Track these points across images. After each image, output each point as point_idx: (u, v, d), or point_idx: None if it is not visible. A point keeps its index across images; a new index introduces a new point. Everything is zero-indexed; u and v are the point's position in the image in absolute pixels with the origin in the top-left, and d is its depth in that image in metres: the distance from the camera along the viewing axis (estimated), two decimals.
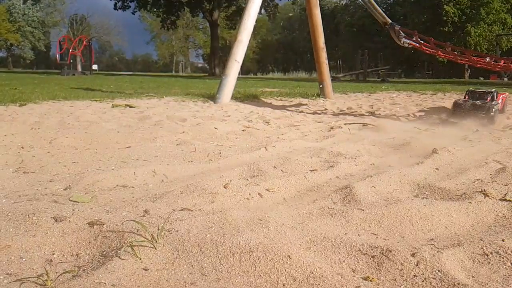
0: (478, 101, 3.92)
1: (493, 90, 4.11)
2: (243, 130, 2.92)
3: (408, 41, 4.57)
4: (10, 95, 4.97)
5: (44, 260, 0.87)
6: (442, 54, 4.57)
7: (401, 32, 4.67)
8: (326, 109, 5.03)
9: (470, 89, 4.30)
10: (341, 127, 3.16)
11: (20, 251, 0.90)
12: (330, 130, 3.03)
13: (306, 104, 5.55)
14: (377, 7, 5.22)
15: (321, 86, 6.42)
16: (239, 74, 5.42)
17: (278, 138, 2.58)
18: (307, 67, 34.64)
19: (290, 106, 5.36)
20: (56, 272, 0.81)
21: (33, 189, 1.37)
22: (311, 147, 2.22)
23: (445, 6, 25.22)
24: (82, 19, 44.28)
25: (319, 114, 4.50)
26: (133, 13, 26.04)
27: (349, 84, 12.45)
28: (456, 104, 4.14)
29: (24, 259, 0.87)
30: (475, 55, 4.70)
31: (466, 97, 4.27)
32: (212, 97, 5.37)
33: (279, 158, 1.85)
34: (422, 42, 4.64)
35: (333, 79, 12.66)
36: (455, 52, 4.64)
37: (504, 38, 24.77)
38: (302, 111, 4.72)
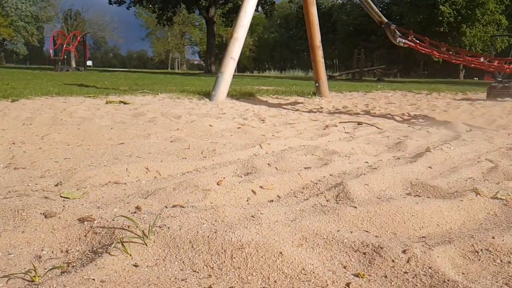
0: (507, 84, 6.12)
1: None
2: (238, 128, 2.91)
3: (403, 41, 4.58)
4: (2, 90, 4.90)
5: (33, 256, 0.86)
6: (437, 54, 4.59)
7: (397, 31, 4.69)
8: (322, 108, 5.04)
9: (499, 79, 6.61)
10: (336, 126, 3.17)
11: (8, 247, 0.89)
12: (325, 129, 3.03)
13: (302, 103, 5.55)
14: (374, 6, 5.23)
15: (317, 84, 6.43)
16: (235, 71, 5.40)
17: (273, 136, 2.57)
18: (303, 65, 34.66)
19: (286, 104, 5.36)
20: (45, 268, 0.80)
21: (23, 185, 1.35)
22: (306, 145, 2.22)
23: (441, 7, 25.38)
24: (77, 14, 43.83)
25: (315, 112, 4.51)
26: (128, 8, 25.84)
27: (345, 83, 12.49)
28: (491, 86, 6.41)
29: (12, 255, 0.86)
30: (470, 55, 4.73)
31: (497, 83, 6.43)
32: (208, 95, 5.34)
33: (274, 155, 1.84)
34: (418, 41, 4.66)
35: (329, 78, 12.70)
36: (450, 52, 4.67)
37: (498, 39, 25.00)
38: (297, 110, 4.72)
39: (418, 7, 26.65)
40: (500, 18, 25.79)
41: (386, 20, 4.94)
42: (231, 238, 0.88)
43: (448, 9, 25.34)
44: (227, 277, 0.79)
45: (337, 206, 1.16)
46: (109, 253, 0.83)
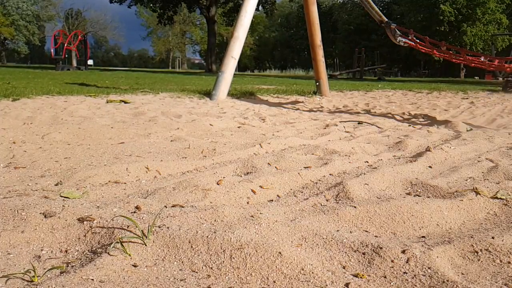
0: None
1: None
2: (238, 127, 2.91)
3: (404, 40, 4.57)
4: (3, 89, 4.91)
5: (32, 256, 0.86)
6: (437, 53, 4.58)
7: (397, 30, 4.68)
8: (322, 107, 5.04)
9: (499, 77, 9.01)
10: (337, 125, 3.16)
11: (8, 247, 0.89)
12: (325, 128, 3.03)
13: (302, 102, 5.55)
14: (374, 5, 5.22)
15: (317, 83, 6.42)
16: (236, 70, 5.40)
17: (273, 135, 2.57)
18: (304, 64, 34.66)
19: (286, 103, 5.36)
20: (44, 268, 0.80)
21: (23, 184, 1.35)
22: (306, 144, 2.22)
23: (441, 6, 25.34)
24: (78, 13, 43.91)
25: (315, 111, 4.51)
26: (129, 7, 25.88)
27: (345, 82, 12.47)
28: (508, 80, 8.09)
29: (11, 255, 0.86)
30: (470, 54, 4.72)
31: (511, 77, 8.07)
32: (208, 94, 5.34)
33: (274, 155, 1.84)
34: (418, 41, 4.65)
35: (330, 77, 12.66)
36: (450, 51, 4.66)
37: (499, 38, 24.95)
38: (298, 109, 4.72)
39: (418, 6, 26.61)
40: (500, 17, 25.74)
41: (386, 19, 4.93)
42: (231, 238, 0.88)
43: (449, 8, 25.29)
44: (226, 277, 0.79)
45: (337, 206, 1.16)
46: (108, 253, 0.83)
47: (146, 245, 0.87)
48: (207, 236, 0.89)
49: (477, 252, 0.89)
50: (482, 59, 4.35)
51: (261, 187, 1.36)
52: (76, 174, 1.44)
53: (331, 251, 0.89)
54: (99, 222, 0.98)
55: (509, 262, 0.86)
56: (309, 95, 6.36)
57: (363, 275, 0.80)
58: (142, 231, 0.91)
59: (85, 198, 1.23)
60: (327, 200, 1.26)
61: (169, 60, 48.38)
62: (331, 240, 0.92)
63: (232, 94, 5.60)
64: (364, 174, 1.49)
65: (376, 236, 1.00)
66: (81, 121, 2.87)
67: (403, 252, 0.86)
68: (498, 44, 24.60)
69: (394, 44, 4.99)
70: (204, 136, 2.48)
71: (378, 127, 3.14)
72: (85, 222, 0.98)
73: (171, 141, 2.24)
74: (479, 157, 1.88)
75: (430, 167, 1.70)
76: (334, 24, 36.32)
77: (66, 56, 16.52)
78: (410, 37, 4.59)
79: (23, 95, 4.39)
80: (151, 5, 25.62)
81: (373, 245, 0.89)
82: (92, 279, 0.74)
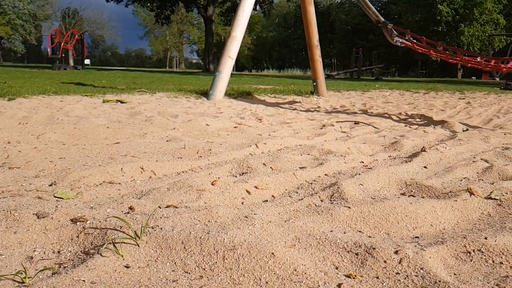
0: None
1: None
2: (235, 127, 2.91)
3: (400, 40, 4.59)
4: None
5: (25, 257, 0.86)
6: (434, 53, 4.60)
7: (394, 30, 4.69)
8: (319, 107, 5.04)
9: (496, 78, 11.28)
10: (333, 125, 3.17)
11: (0, 247, 0.89)
12: (322, 128, 3.03)
13: (299, 102, 5.55)
14: (371, 5, 5.23)
15: (315, 83, 6.43)
16: (233, 70, 5.40)
17: (269, 135, 2.57)
18: (301, 64, 34.69)
19: (283, 103, 5.36)
20: (36, 269, 0.80)
21: (17, 185, 1.35)
22: (302, 144, 2.22)
23: (439, 6, 25.43)
24: (75, 12, 43.78)
25: (312, 111, 4.51)
26: (126, 6, 25.81)
27: (343, 82, 12.49)
28: (507, 81, 8.87)
29: (3, 256, 0.85)
30: (467, 54, 4.74)
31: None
32: (206, 94, 5.34)
33: (269, 155, 1.84)
34: (415, 41, 4.66)
35: (327, 77, 12.70)
36: (447, 52, 4.67)
37: (496, 38, 25.09)
38: (295, 109, 4.72)
39: (416, 6, 26.69)
40: (498, 18, 25.87)
41: (383, 20, 4.94)
42: (224, 239, 0.88)
43: (446, 8, 25.39)
44: (219, 278, 0.79)
45: (331, 206, 1.16)
46: (100, 254, 0.82)
47: (138, 246, 0.87)
48: (200, 237, 0.89)
49: (470, 253, 0.89)
50: (478, 60, 4.37)
51: (256, 187, 1.36)
52: (71, 174, 1.43)
53: (324, 252, 0.89)
54: (92, 223, 0.97)
55: (501, 263, 0.86)
56: (307, 95, 6.36)
57: (355, 276, 0.80)
58: (135, 232, 0.90)
59: (79, 198, 1.22)
60: (321, 201, 1.26)
61: (166, 59, 48.28)
62: (325, 241, 0.92)
63: (229, 94, 5.60)
64: (359, 174, 1.50)
65: (369, 237, 1.00)
66: (77, 121, 2.85)
67: (396, 252, 0.86)
68: (495, 44, 24.75)
69: (391, 44, 5.00)
70: (200, 136, 2.48)
71: (375, 127, 3.15)
72: (78, 223, 0.97)
73: (167, 141, 2.24)
74: (474, 158, 1.88)
75: (425, 167, 1.71)
76: (332, 24, 36.39)
77: (63, 55, 16.47)
78: (406, 37, 4.60)
79: (19, 94, 4.36)
80: (148, 4, 25.55)
81: (366, 245, 0.89)
82: (84, 280, 0.74)
